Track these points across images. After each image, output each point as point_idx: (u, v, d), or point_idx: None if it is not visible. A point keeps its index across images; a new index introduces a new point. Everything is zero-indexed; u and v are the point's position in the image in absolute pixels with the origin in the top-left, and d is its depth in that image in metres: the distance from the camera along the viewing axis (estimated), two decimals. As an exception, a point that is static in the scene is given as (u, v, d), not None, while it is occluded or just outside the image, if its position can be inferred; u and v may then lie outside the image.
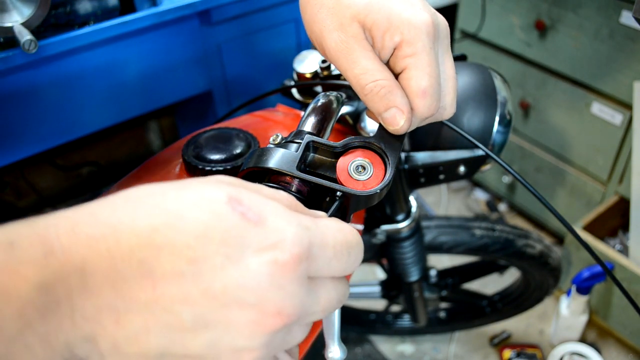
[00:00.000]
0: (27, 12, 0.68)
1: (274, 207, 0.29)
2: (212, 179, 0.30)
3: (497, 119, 0.71)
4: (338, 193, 0.40)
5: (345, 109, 0.68)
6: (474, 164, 0.73)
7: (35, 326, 0.24)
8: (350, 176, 0.40)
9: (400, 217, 0.84)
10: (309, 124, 0.44)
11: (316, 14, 0.42)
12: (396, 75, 0.41)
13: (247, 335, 0.27)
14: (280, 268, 0.27)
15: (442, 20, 0.42)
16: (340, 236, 0.31)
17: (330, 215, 0.37)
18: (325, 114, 0.46)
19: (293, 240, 0.27)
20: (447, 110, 0.43)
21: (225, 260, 0.26)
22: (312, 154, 0.43)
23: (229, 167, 0.57)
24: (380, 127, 0.43)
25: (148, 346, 0.26)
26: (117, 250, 0.25)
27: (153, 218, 0.26)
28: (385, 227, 0.85)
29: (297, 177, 0.39)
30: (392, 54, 0.40)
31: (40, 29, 0.75)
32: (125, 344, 0.26)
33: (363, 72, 0.40)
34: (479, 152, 0.72)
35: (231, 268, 0.26)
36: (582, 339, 1.44)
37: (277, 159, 0.40)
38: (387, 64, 0.41)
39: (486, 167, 0.75)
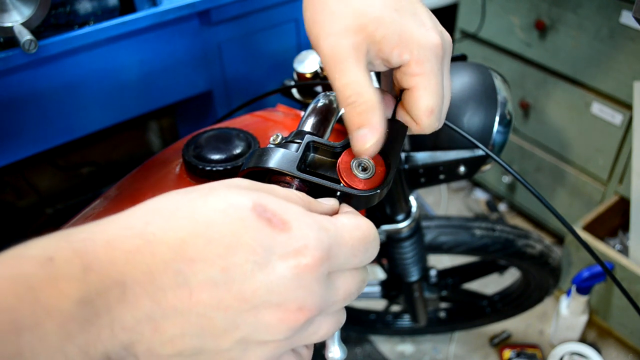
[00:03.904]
0: (27, 12, 0.68)
1: (295, 210, 0.31)
2: (231, 183, 0.32)
3: (497, 119, 0.71)
4: (338, 193, 0.40)
5: (345, 109, 0.68)
6: (474, 164, 0.73)
7: (76, 338, 0.25)
8: (353, 173, 0.40)
9: (400, 217, 0.84)
10: (309, 124, 0.44)
11: (317, 15, 0.41)
12: (401, 89, 0.42)
13: (273, 331, 0.29)
14: (303, 270, 0.29)
15: (447, 38, 0.43)
16: (358, 233, 0.33)
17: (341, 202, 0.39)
18: (325, 114, 0.46)
19: (315, 245, 0.29)
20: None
21: (255, 266, 0.28)
22: (312, 154, 0.43)
23: (229, 167, 0.57)
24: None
25: (183, 347, 0.28)
26: (154, 263, 0.27)
27: (184, 230, 0.28)
28: (386, 227, 0.85)
29: (297, 177, 0.39)
30: (398, 68, 0.41)
31: (40, 29, 0.75)
32: (160, 347, 0.28)
33: (348, 84, 0.38)
34: (479, 152, 0.71)
35: (259, 273, 0.28)
36: (582, 339, 1.44)
37: (277, 159, 0.40)
38: (393, 74, 0.42)
39: (486, 167, 0.75)
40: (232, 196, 0.30)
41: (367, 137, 0.38)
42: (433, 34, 0.40)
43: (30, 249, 0.26)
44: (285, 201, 0.31)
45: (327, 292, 0.31)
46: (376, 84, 0.46)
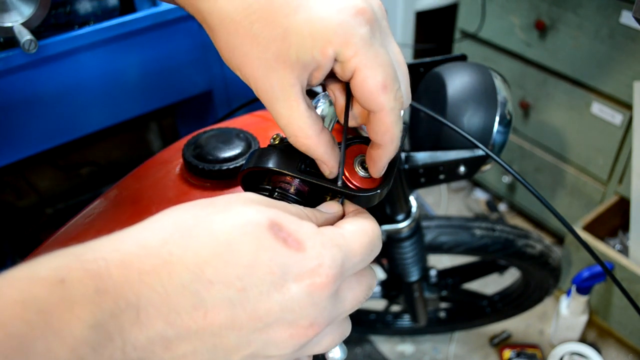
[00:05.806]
0: (27, 12, 0.68)
1: (308, 229, 0.31)
2: (246, 197, 0.32)
3: (497, 119, 0.71)
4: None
5: (345, 109, 0.68)
6: (474, 164, 0.73)
7: None
8: (353, 173, 0.40)
9: (400, 217, 0.84)
10: (309, 124, 0.44)
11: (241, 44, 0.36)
12: (349, 82, 0.36)
13: (282, 347, 0.29)
14: (317, 289, 0.29)
15: (372, 1, 0.35)
16: (366, 239, 0.33)
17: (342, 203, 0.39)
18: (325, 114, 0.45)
19: (329, 264, 0.30)
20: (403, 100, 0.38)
21: (271, 286, 0.28)
22: (312, 154, 0.43)
23: (229, 166, 0.57)
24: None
25: None
26: (170, 285, 0.26)
27: (203, 250, 0.28)
28: (385, 227, 0.85)
29: (297, 177, 0.39)
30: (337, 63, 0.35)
31: (40, 29, 0.75)
32: None
33: (288, 125, 0.36)
34: (479, 152, 0.71)
35: (275, 293, 0.28)
36: (582, 339, 1.44)
37: (277, 159, 0.40)
38: (336, 74, 0.36)
39: (486, 167, 0.75)
40: (250, 212, 0.30)
41: (322, 166, 0.38)
42: (346, 3, 0.33)
43: (40, 269, 0.25)
44: (298, 218, 0.31)
45: (336, 306, 0.31)
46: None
